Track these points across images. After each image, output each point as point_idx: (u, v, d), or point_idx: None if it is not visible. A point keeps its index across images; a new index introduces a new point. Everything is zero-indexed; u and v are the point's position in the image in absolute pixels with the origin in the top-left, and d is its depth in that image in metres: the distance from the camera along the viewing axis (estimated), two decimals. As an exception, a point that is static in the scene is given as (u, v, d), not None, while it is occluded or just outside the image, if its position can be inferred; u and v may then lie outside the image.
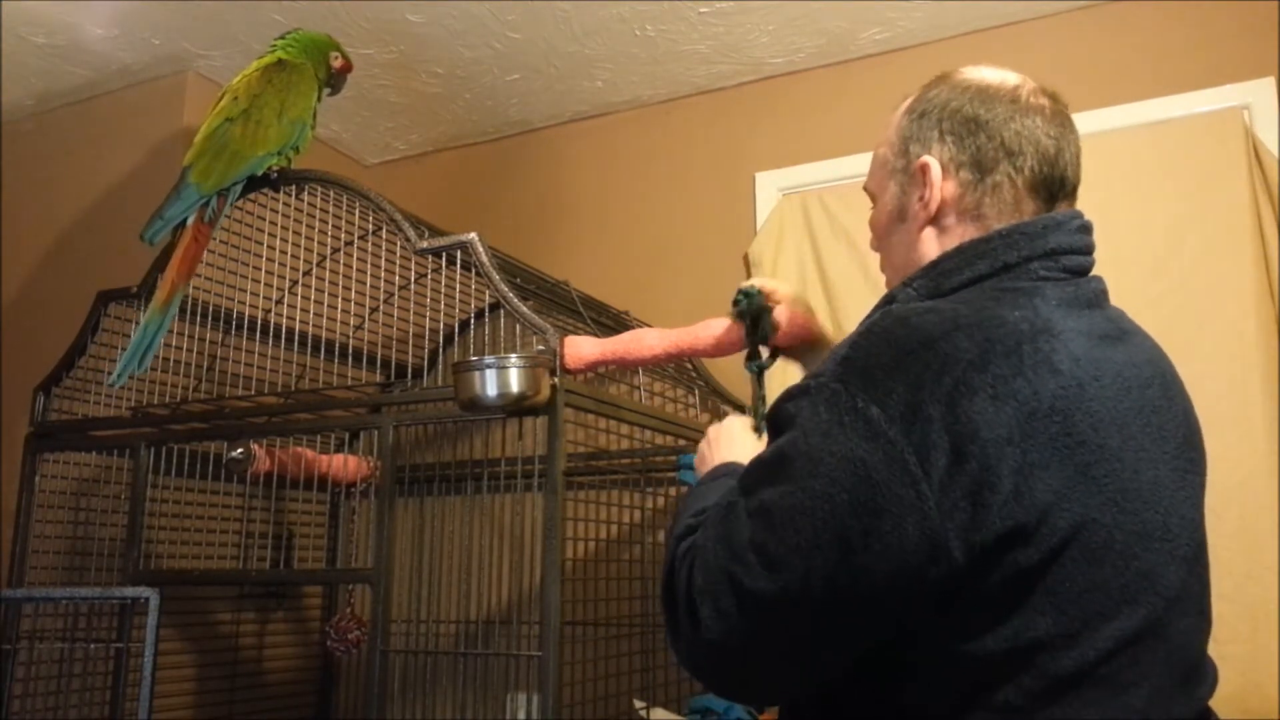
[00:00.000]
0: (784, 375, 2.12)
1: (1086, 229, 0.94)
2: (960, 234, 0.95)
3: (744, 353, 1.37)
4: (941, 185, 0.95)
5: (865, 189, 1.11)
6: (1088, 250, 0.93)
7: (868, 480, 0.77)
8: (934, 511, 0.76)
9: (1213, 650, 1.11)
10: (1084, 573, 0.80)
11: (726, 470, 1.04)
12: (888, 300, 0.95)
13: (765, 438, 1.06)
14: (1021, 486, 0.77)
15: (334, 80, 1.87)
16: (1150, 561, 0.83)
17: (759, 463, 0.86)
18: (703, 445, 1.17)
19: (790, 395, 0.86)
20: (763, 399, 1.30)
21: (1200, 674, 0.90)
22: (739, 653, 0.82)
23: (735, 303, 1.36)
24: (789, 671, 0.83)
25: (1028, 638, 0.78)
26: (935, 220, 0.97)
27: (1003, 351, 0.80)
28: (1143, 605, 0.82)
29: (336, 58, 1.86)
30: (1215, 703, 0.98)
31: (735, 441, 1.13)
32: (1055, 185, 0.94)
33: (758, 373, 1.34)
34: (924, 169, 0.96)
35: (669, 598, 0.89)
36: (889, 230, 1.04)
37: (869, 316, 0.90)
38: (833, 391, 0.81)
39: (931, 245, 0.97)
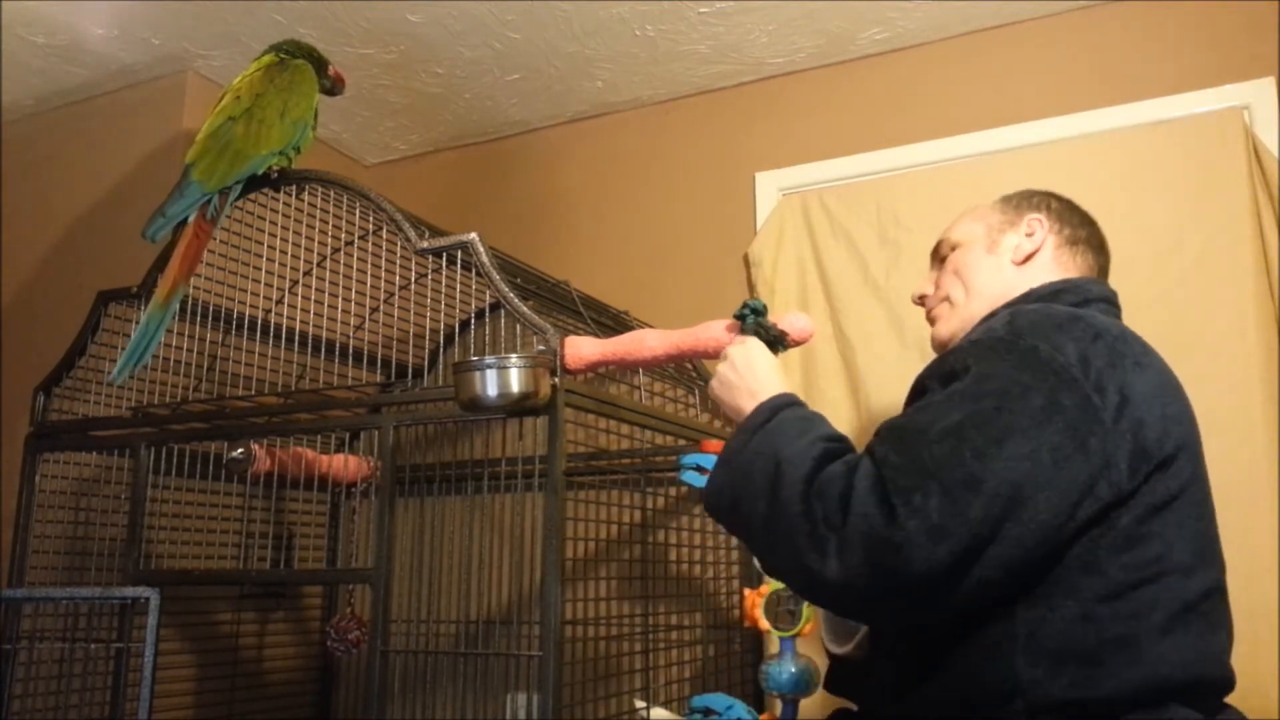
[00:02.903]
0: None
1: (1116, 295, 1.28)
2: (1048, 274, 1.27)
3: None
4: (1043, 238, 1.29)
5: (942, 243, 1.38)
6: (1119, 310, 1.27)
7: (1059, 405, 0.96)
8: (1110, 433, 0.97)
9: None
10: (1194, 518, 1.04)
11: (787, 401, 1.14)
12: (990, 315, 1.22)
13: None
14: (1165, 431, 1.02)
15: (332, 88, 1.87)
16: (1213, 535, 1.08)
17: (932, 401, 1.01)
18: (724, 369, 1.22)
19: (954, 351, 1.07)
20: None
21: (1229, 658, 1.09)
22: (926, 553, 0.90)
23: (740, 317, 1.36)
24: (956, 578, 0.92)
25: (1163, 564, 0.99)
26: (1033, 257, 1.28)
27: (1130, 335, 1.08)
28: (1217, 565, 1.07)
29: (331, 69, 1.87)
30: (1215, 702, 1.01)
31: (765, 368, 1.20)
32: (1106, 272, 1.35)
33: None
34: (1039, 220, 1.30)
35: (816, 497, 0.97)
36: (979, 260, 1.32)
37: (990, 321, 1.17)
38: (1009, 342, 1.03)
39: (1028, 276, 1.27)
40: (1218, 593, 1.05)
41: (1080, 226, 1.32)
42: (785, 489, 1.00)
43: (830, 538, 0.94)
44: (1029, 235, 1.29)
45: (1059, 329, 1.04)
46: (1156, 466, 1.00)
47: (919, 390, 1.09)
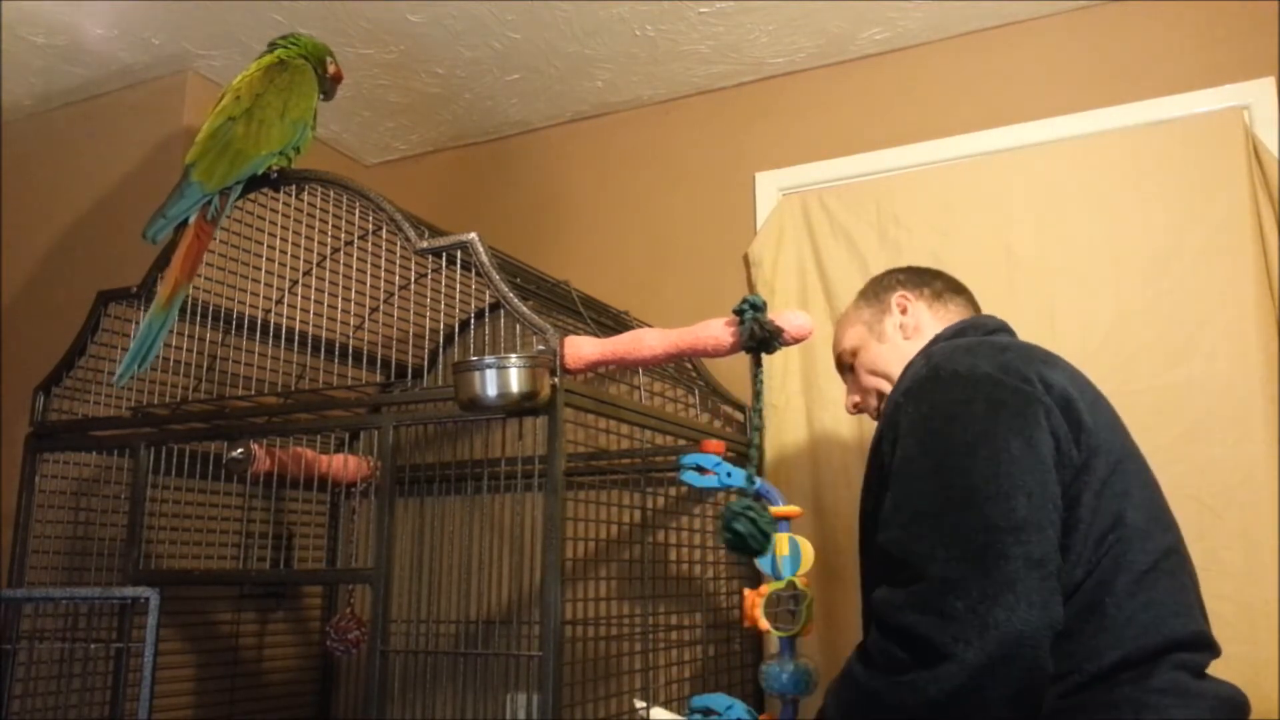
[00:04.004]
0: (785, 362, 2.10)
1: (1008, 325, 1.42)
2: (933, 331, 1.41)
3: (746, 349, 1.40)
4: (915, 307, 1.45)
5: (842, 356, 1.53)
6: (1014, 335, 1.41)
7: (999, 401, 1.11)
8: (1050, 410, 1.10)
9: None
10: (1140, 485, 1.14)
11: None
12: (907, 367, 1.32)
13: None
14: (1089, 406, 1.14)
15: (327, 87, 1.87)
16: (1163, 504, 1.18)
17: (898, 473, 1.12)
18: None
19: (894, 409, 1.19)
20: (761, 382, 1.45)
21: (1204, 617, 1.16)
22: (1049, 574, 0.99)
23: (739, 312, 1.37)
24: (1038, 578, 0.99)
25: (1120, 530, 1.08)
26: (918, 329, 1.42)
27: (1033, 345, 1.25)
28: (1170, 531, 1.16)
29: (331, 64, 1.86)
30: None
31: None
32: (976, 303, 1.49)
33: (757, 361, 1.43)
34: (903, 295, 1.46)
35: (877, 658, 1.04)
36: (877, 352, 1.46)
37: (908, 370, 1.29)
38: (930, 377, 1.17)
39: (921, 342, 1.39)
40: (1176, 553, 1.14)
41: (934, 279, 1.48)
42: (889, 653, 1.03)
43: (951, 645, 0.97)
44: (903, 312, 1.45)
45: (969, 352, 1.19)
46: (1092, 438, 1.11)
47: (880, 455, 1.20)
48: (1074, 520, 1.07)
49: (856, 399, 1.54)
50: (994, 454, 1.03)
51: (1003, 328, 1.39)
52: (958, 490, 1.02)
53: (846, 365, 1.54)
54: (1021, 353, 1.19)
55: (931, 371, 1.17)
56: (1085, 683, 1.03)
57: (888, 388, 1.43)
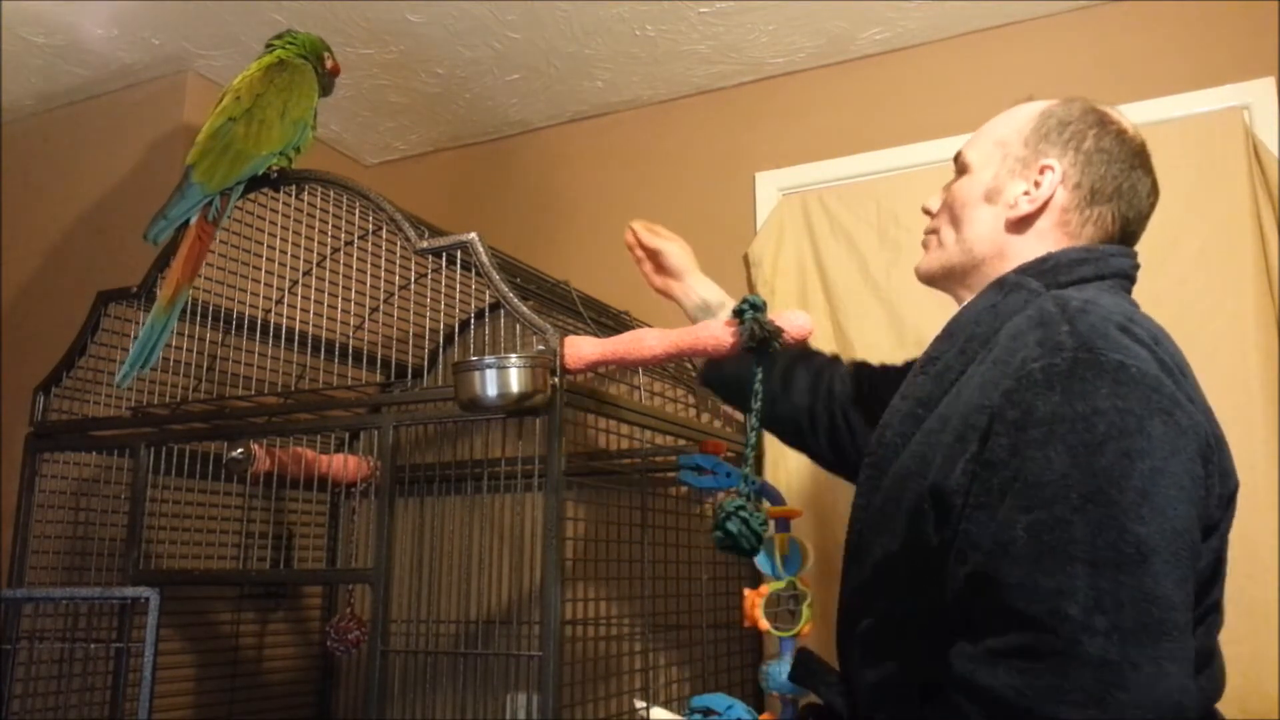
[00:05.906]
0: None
1: (1138, 266, 1.12)
2: (1052, 240, 1.09)
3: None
4: (1054, 193, 1.09)
5: (960, 156, 1.20)
6: (1133, 283, 1.12)
7: (1177, 426, 0.89)
8: (1212, 450, 0.91)
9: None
10: (1224, 536, 0.97)
11: None
12: (1012, 287, 1.05)
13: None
14: (1225, 447, 0.96)
15: (326, 82, 1.87)
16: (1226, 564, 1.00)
17: (1025, 470, 0.89)
18: None
19: (1023, 384, 0.91)
20: (760, 383, 1.35)
21: None
22: (1151, 663, 0.79)
23: (739, 313, 1.37)
24: (1186, 661, 0.83)
25: (1207, 602, 0.94)
26: (1032, 219, 1.09)
27: (1165, 332, 1.00)
28: (1223, 582, 0.99)
29: (329, 59, 1.86)
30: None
31: None
32: (1134, 232, 1.13)
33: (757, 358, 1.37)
34: (1048, 169, 1.10)
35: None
36: (975, 204, 1.14)
37: (1025, 310, 1.00)
38: (1087, 360, 0.91)
39: (1028, 242, 1.10)
40: (1219, 609, 1.00)
41: (1113, 178, 1.08)
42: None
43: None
44: (1036, 185, 1.10)
45: (1124, 331, 0.92)
46: (1229, 498, 0.94)
47: (983, 429, 0.93)
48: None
49: (932, 211, 1.23)
50: (1169, 502, 0.83)
51: (1121, 272, 1.07)
52: (1130, 542, 0.80)
53: (957, 169, 1.21)
54: (1171, 352, 0.95)
55: (1085, 351, 0.88)
56: None
57: (950, 243, 1.16)
